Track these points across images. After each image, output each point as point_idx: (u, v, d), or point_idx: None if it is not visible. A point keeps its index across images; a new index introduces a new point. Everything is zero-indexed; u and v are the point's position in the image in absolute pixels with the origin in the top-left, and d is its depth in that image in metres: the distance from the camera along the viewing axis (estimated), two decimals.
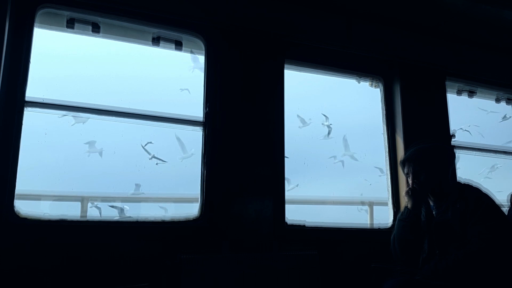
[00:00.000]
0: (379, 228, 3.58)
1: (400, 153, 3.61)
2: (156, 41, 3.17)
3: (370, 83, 3.88)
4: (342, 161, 4.28)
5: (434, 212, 2.71)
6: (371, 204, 4.54)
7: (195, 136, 3.09)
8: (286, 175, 3.23)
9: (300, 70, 3.63)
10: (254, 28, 3.34)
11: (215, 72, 3.18)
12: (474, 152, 4.17)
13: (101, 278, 2.63)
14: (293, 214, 3.18)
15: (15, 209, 2.55)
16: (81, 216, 3.34)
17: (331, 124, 4.08)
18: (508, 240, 2.39)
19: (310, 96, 4.16)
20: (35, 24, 2.79)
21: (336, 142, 4.12)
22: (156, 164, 3.14)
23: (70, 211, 3.18)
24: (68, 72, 3.23)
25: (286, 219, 3.18)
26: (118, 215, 3.20)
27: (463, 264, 2.37)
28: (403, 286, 2.37)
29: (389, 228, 3.48)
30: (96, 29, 3.00)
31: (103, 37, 3.08)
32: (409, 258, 2.67)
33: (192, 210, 3.00)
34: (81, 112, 2.91)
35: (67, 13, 2.93)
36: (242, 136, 3.15)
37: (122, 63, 3.42)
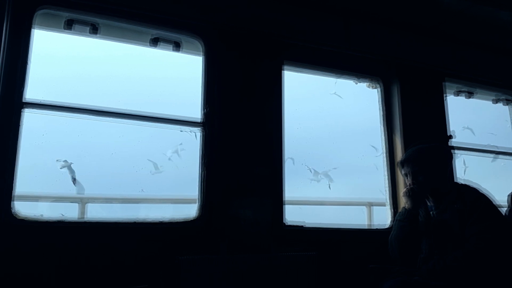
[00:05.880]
0: (377, 229, 3.58)
1: (399, 153, 3.62)
2: (154, 42, 3.17)
3: (368, 84, 3.89)
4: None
5: (432, 213, 2.72)
6: (369, 205, 4.54)
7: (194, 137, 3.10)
8: (286, 174, 3.23)
9: (298, 71, 3.63)
10: (253, 29, 3.34)
11: (214, 73, 3.19)
12: (473, 153, 4.17)
13: (99, 279, 2.62)
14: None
15: (14, 210, 2.55)
16: (79, 218, 3.34)
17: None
18: (506, 240, 2.39)
19: (310, 97, 4.16)
20: (34, 25, 2.79)
21: (335, 143, 4.12)
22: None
23: (69, 212, 3.18)
24: (66, 73, 3.24)
25: (285, 220, 3.18)
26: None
27: (461, 264, 2.37)
28: (401, 286, 2.38)
29: (387, 228, 3.48)
30: (94, 30, 3.00)
31: (101, 38, 3.08)
32: (407, 258, 2.68)
33: (191, 211, 3.00)
34: (79, 113, 2.91)
35: (66, 14, 2.93)
36: (241, 137, 3.16)
37: (120, 64, 3.42)
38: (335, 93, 3.86)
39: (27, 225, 2.57)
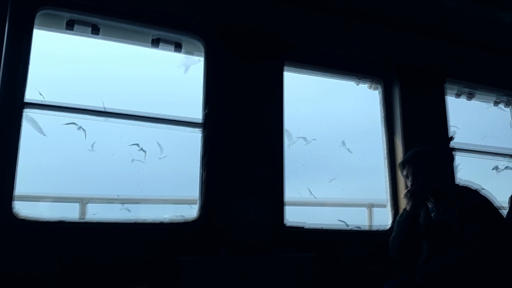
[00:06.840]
0: (377, 230, 3.58)
1: (399, 155, 3.62)
2: (155, 43, 3.17)
3: (369, 85, 3.89)
4: None
5: (432, 214, 2.71)
6: (370, 206, 4.54)
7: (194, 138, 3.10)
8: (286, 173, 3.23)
9: (299, 72, 3.63)
10: (253, 29, 3.35)
11: (214, 74, 3.19)
12: (474, 155, 4.16)
13: (99, 280, 2.62)
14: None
15: (14, 210, 2.55)
16: (79, 218, 3.34)
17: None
18: (505, 240, 2.39)
19: (309, 98, 4.17)
20: (35, 25, 2.80)
21: (334, 144, 4.12)
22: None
23: (69, 213, 3.18)
24: (67, 74, 3.24)
25: (285, 221, 3.18)
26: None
27: (461, 264, 2.37)
28: (402, 287, 2.37)
29: (387, 230, 3.48)
30: (95, 30, 3.00)
31: (102, 38, 3.08)
32: (408, 259, 2.67)
33: (191, 212, 3.00)
34: (80, 113, 2.92)
35: (67, 15, 2.93)
36: (241, 137, 3.16)
37: (121, 64, 3.43)
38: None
39: (28, 225, 2.57)
